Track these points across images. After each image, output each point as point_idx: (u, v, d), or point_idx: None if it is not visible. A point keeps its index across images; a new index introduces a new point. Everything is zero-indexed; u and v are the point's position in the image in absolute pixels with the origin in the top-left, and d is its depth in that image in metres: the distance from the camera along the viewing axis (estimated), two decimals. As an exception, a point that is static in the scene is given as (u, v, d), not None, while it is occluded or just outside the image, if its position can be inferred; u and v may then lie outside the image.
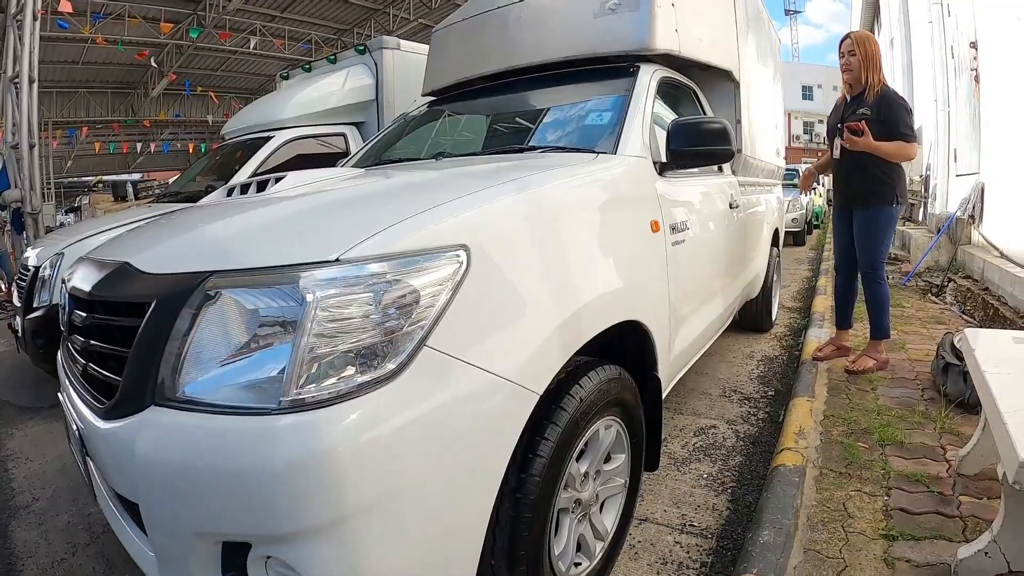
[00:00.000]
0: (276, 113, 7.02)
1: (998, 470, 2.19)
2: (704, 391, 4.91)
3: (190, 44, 23.03)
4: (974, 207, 8.31)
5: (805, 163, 38.53)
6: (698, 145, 3.08)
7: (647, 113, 3.26)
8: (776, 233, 6.84)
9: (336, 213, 1.95)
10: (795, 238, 15.72)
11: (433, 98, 4.83)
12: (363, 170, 2.96)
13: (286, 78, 8.65)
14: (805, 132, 53.86)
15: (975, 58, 8.53)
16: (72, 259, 4.91)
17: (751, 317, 6.31)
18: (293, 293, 1.51)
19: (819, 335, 5.88)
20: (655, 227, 2.87)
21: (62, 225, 16.19)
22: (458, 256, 1.72)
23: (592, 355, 2.31)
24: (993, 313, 6.20)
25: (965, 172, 9.13)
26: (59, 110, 27.96)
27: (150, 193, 20.60)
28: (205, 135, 33.90)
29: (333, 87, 7.19)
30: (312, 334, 1.47)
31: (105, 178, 36.13)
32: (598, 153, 2.91)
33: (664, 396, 3.09)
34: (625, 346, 2.66)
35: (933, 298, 7.75)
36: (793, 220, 14.98)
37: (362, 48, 7.45)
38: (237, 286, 1.59)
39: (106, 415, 1.71)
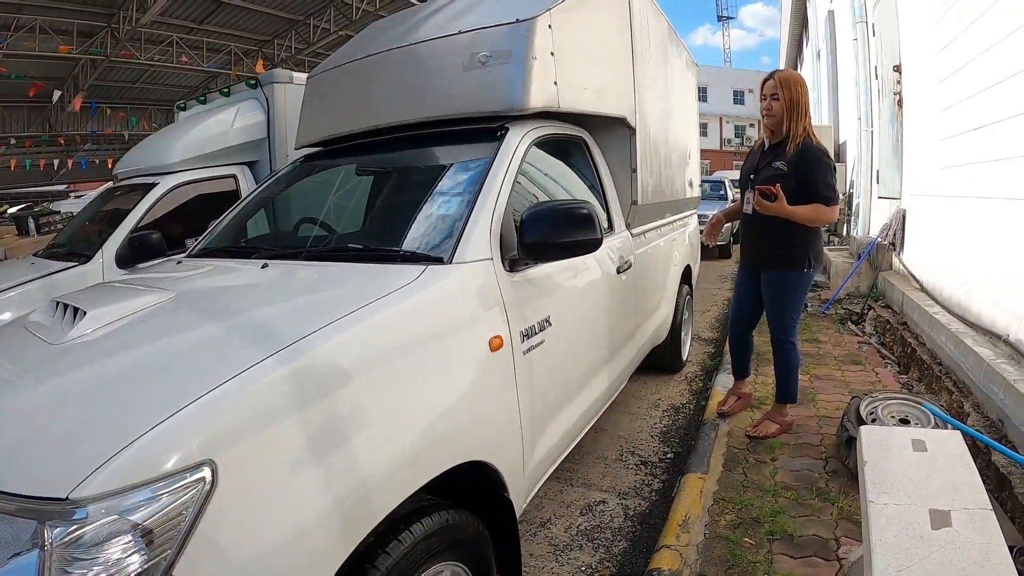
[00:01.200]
0: (163, 157, 6.57)
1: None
2: (600, 454, 4.66)
3: (105, 57, 22.27)
4: (895, 234, 8.19)
5: (737, 166, 39.17)
6: (557, 237, 2.72)
7: (503, 196, 2.89)
8: (688, 269, 6.62)
9: (87, 413, 1.68)
10: (720, 251, 15.39)
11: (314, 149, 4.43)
12: (173, 295, 2.52)
13: (183, 108, 8.24)
14: (736, 136, 55.03)
15: (899, 82, 8.40)
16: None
17: (660, 359, 5.99)
18: (30, 528, 1.42)
19: (727, 383, 5.59)
20: (496, 344, 2.53)
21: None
22: (202, 475, 1.51)
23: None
24: (911, 352, 6.04)
25: (887, 195, 9.02)
26: (-27, 124, 27.07)
27: (52, 229, 20.15)
28: (129, 148, 32.91)
29: (222, 126, 6.74)
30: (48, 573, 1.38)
31: (27, 189, 35.23)
32: (430, 262, 2.54)
33: (524, 506, 2.84)
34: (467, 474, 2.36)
35: (852, 326, 7.62)
36: (719, 233, 14.75)
37: (253, 82, 7.03)
38: None
39: None
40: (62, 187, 36.37)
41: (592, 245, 2.85)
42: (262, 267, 2.84)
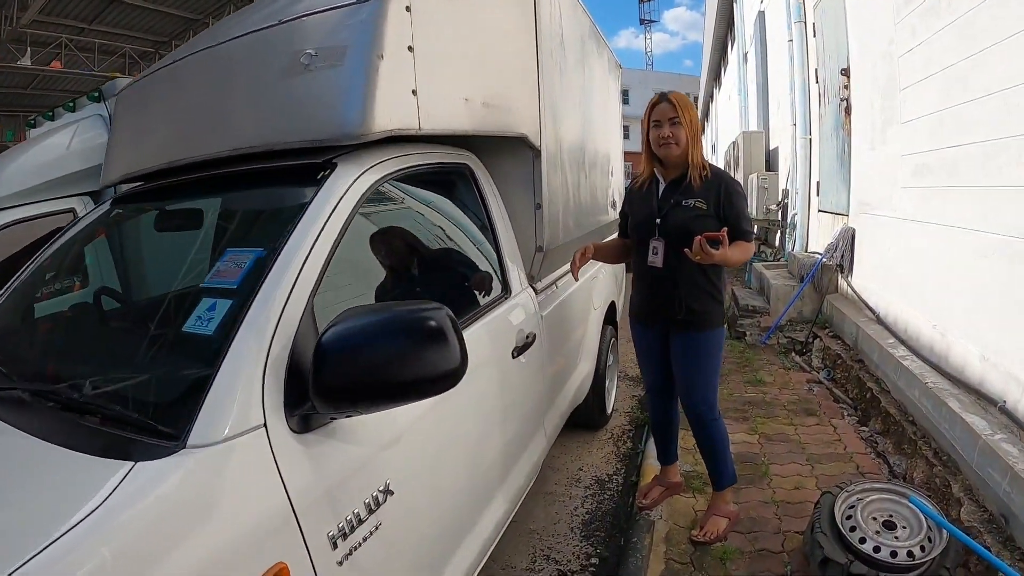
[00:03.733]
0: None
1: None
2: (507, 560, 3.66)
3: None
4: (843, 255, 7.38)
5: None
6: (381, 373, 1.57)
7: (299, 298, 1.75)
8: (612, 306, 5.67)
9: None
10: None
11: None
12: None
13: (32, 125, 7.02)
14: (658, 138, 57.33)
15: (846, 87, 7.58)
16: None
17: (581, 416, 4.94)
18: None
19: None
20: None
21: None
22: None
23: None
24: (870, 397, 5.20)
25: (830, 210, 8.30)
26: None
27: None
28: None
29: (56, 150, 5.51)
30: None
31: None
32: (153, 444, 1.44)
33: None
34: None
35: (797, 358, 6.86)
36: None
37: (96, 95, 5.87)
38: None
39: None
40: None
41: (445, 380, 1.66)
42: None
